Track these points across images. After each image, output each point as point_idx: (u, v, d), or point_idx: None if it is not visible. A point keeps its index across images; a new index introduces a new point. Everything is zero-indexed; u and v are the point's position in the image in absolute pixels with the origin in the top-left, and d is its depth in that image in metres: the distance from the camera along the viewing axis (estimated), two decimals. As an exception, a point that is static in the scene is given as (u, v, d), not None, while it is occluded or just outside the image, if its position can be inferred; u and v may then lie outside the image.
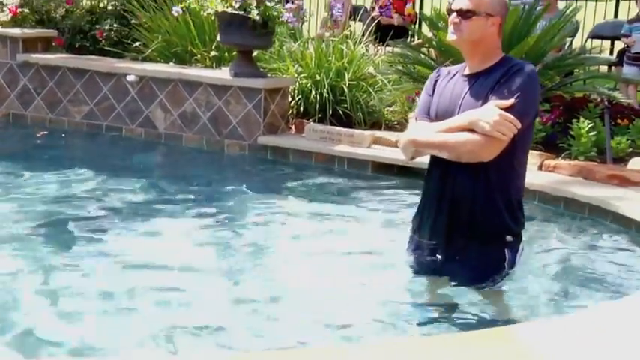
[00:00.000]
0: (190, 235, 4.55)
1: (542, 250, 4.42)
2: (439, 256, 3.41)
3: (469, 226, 3.31)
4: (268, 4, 6.20)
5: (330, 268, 4.00)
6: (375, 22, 8.43)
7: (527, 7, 6.65)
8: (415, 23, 9.22)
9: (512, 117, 3.06)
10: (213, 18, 6.65)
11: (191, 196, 5.39)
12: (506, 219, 3.31)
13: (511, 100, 3.07)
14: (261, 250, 4.39)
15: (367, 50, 7.62)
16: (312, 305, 3.50)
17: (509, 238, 3.34)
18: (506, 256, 3.34)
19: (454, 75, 3.34)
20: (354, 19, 9.08)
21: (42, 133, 6.60)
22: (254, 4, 6.16)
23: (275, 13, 6.26)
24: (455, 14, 3.18)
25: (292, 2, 6.70)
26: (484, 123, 3.05)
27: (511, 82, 3.12)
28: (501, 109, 3.07)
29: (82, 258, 4.03)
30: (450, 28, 3.23)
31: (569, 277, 4.01)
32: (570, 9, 6.71)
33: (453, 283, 3.45)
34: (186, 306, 3.46)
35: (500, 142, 3.09)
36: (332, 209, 5.20)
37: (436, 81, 3.36)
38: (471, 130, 3.10)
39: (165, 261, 4.01)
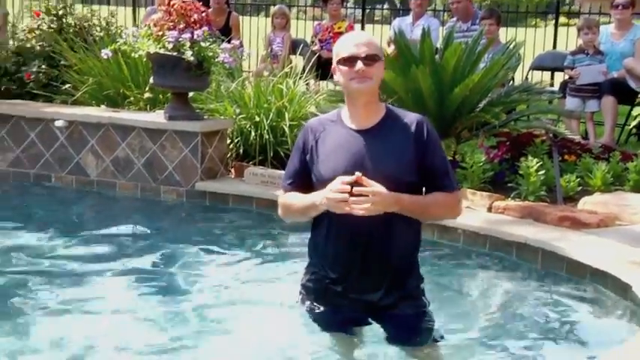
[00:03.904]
0: (128, 288, 4.35)
1: (499, 306, 4.17)
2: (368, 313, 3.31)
3: (397, 276, 3.21)
4: (203, 44, 5.92)
5: (273, 320, 3.74)
6: (315, 57, 8.23)
7: (469, 41, 6.52)
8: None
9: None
10: (145, 60, 6.36)
11: (127, 248, 5.09)
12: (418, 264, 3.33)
13: None
14: (202, 301, 4.13)
15: (308, 87, 7.39)
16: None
17: (422, 285, 3.33)
18: (425, 302, 3.32)
19: (336, 128, 3.17)
20: (295, 54, 8.89)
21: None
22: (188, 44, 5.87)
23: (210, 54, 5.98)
24: (360, 62, 3.02)
25: (229, 41, 6.42)
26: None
27: (433, 141, 3.13)
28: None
29: (10, 316, 3.81)
30: (352, 78, 3.05)
31: (532, 334, 3.80)
32: (513, 43, 6.59)
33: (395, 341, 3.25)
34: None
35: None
36: (274, 256, 4.99)
37: (317, 141, 3.19)
38: None
39: (99, 309, 3.96)
